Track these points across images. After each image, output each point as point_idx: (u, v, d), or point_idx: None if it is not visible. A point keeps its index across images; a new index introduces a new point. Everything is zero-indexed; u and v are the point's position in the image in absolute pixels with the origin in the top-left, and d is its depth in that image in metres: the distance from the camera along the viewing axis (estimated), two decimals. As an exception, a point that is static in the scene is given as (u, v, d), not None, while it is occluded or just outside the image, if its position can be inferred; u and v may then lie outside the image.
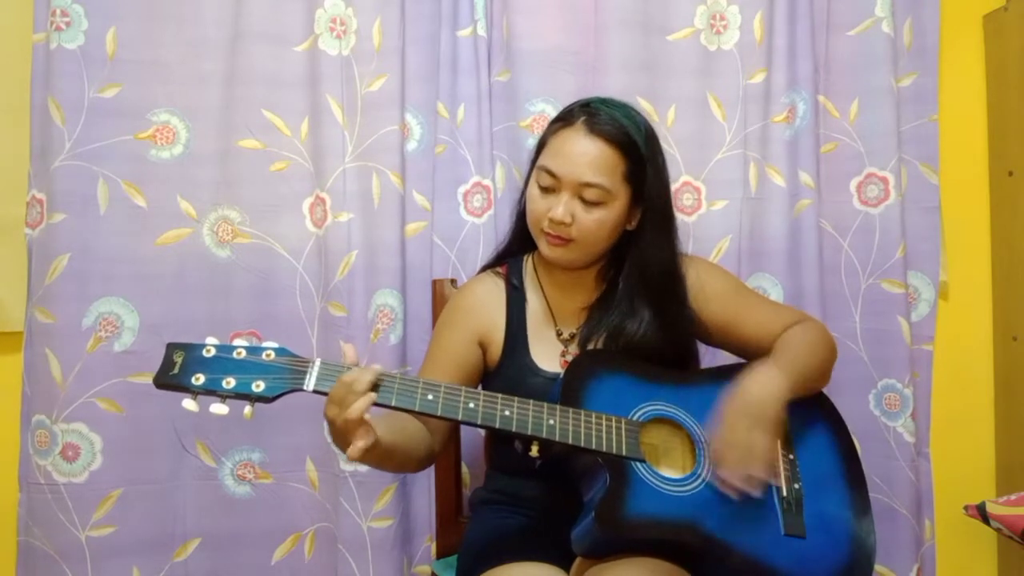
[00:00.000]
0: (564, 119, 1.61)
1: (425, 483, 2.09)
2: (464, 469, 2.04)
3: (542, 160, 1.60)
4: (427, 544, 2.13)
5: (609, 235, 1.61)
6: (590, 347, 1.63)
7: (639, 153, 1.58)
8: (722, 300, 1.69)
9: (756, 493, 1.43)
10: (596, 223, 1.58)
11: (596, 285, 1.70)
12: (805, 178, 2.21)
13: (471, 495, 1.82)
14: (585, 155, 1.55)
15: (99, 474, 1.99)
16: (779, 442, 1.50)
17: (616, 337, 1.61)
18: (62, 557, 1.96)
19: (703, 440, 1.51)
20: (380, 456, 1.42)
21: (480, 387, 1.68)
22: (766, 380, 1.49)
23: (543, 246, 1.62)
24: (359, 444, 1.31)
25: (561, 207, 1.56)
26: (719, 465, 1.44)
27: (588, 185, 1.55)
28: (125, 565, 2.01)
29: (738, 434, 1.43)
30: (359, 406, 1.30)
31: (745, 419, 1.44)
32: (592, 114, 1.58)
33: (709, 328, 1.69)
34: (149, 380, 1.37)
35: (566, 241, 1.58)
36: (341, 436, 1.34)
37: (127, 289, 2.02)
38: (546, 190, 1.59)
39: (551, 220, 1.57)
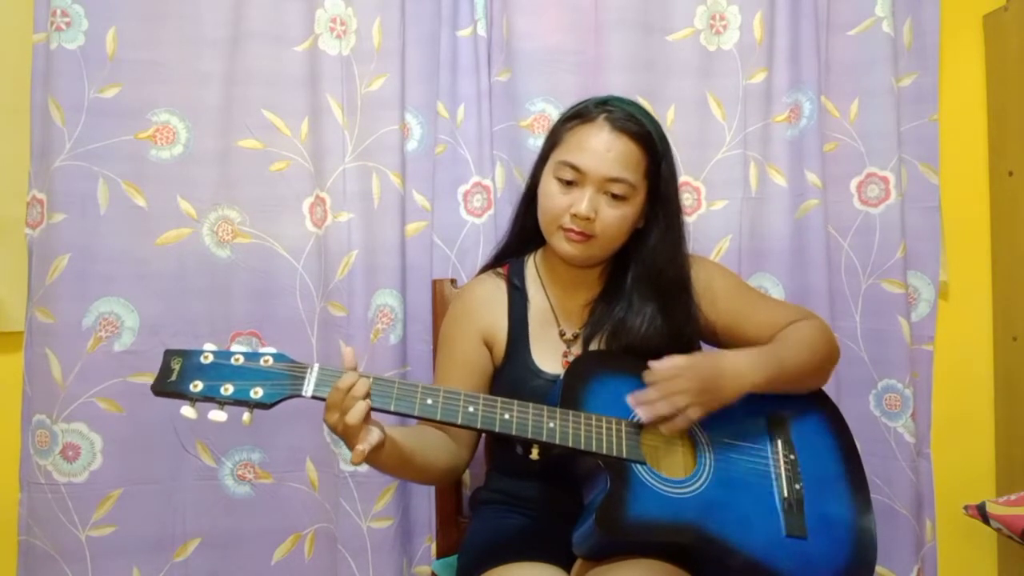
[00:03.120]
0: (581, 116, 1.61)
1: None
2: (464, 469, 2.05)
3: (561, 155, 1.59)
4: (427, 544, 2.13)
5: (627, 232, 1.62)
6: (593, 344, 1.63)
7: (657, 150, 1.60)
8: (728, 300, 1.70)
9: (642, 417, 1.44)
10: (619, 219, 1.58)
11: (598, 282, 1.70)
12: (812, 178, 2.21)
13: (471, 495, 1.82)
14: (611, 150, 1.56)
15: (99, 474, 1.99)
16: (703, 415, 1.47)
17: (619, 333, 1.61)
18: (62, 557, 1.97)
19: (703, 441, 1.51)
20: (395, 462, 1.42)
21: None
22: (740, 365, 1.51)
23: (560, 243, 1.60)
24: (359, 447, 1.31)
25: (586, 202, 1.55)
26: (645, 395, 1.43)
27: (615, 180, 1.55)
28: (125, 565, 2.01)
29: (682, 395, 1.43)
30: (357, 411, 1.30)
31: (697, 387, 1.44)
32: (612, 111, 1.59)
33: (715, 328, 1.69)
34: (149, 380, 1.36)
35: (588, 237, 1.58)
36: (344, 441, 1.34)
37: (127, 289, 2.02)
38: (567, 186, 1.58)
39: (574, 215, 1.56)
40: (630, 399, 1.45)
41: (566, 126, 1.62)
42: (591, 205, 1.55)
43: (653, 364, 1.45)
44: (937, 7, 2.29)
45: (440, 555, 1.90)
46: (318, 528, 2.11)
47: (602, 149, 1.56)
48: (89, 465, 1.98)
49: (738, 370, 1.50)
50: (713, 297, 1.69)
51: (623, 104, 1.62)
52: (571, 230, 1.58)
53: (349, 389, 1.31)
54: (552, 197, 1.59)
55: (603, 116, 1.58)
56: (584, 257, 1.61)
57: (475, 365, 1.66)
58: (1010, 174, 2.34)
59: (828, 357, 1.66)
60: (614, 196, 1.56)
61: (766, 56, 2.22)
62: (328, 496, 2.09)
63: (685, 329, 1.65)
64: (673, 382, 1.43)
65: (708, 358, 1.51)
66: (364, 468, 2.00)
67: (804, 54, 2.22)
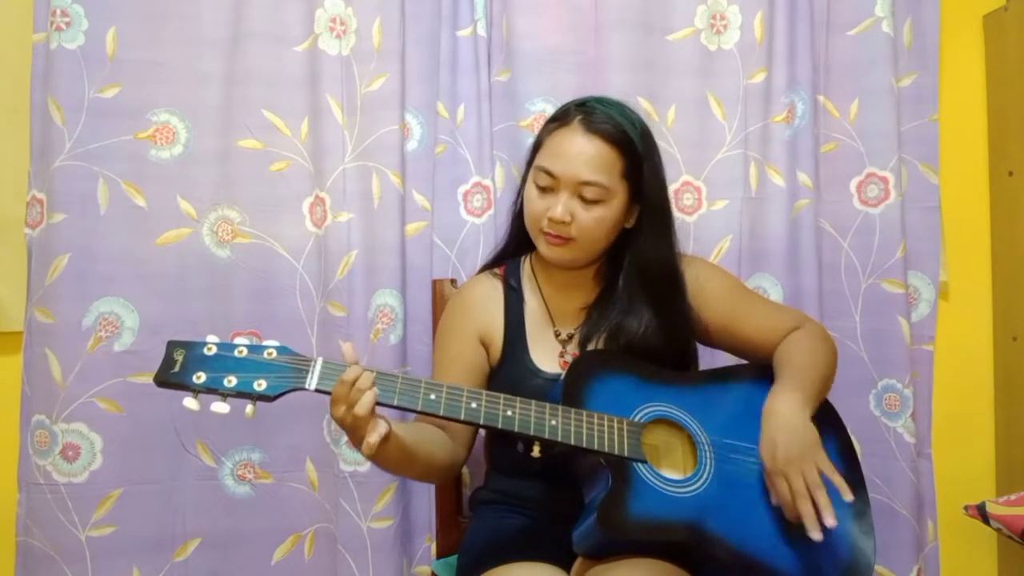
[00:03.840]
0: (560, 119, 1.62)
1: (425, 483, 2.09)
2: (464, 469, 2.04)
3: (539, 160, 1.61)
4: (427, 544, 2.13)
5: (608, 234, 1.62)
6: (590, 347, 1.63)
7: (636, 151, 1.59)
8: (722, 300, 1.70)
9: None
10: (595, 221, 1.58)
11: (594, 285, 1.70)
12: (803, 178, 2.21)
13: (471, 495, 1.82)
14: (582, 154, 1.56)
15: (99, 474, 1.99)
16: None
17: (617, 336, 1.61)
18: (62, 557, 1.96)
19: (704, 441, 1.51)
20: (400, 456, 1.42)
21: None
22: (792, 409, 1.48)
23: (542, 246, 1.62)
24: (370, 440, 1.31)
25: (560, 206, 1.56)
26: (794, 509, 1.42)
27: (586, 183, 1.55)
28: (125, 565, 2.01)
29: (796, 479, 1.42)
30: (365, 402, 1.30)
31: (794, 467, 1.42)
32: (588, 113, 1.59)
33: (709, 328, 1.69)
34: (149, 380, 1.36)
35: (566, 240, 1.59)
36: (352, 434, 1.34)
37: (127, 289, 2.01)
38: (544, 190, 1.59)
39: (550, 219, 1.57)
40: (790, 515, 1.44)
41: (547, 129, 1.64)
42: (565, 209, 1.56)
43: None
44: (937, 7, 2.30)
45: (440, 555, 1.90)
46: (318, 528, 2.10)
47: (574, 153, 1.56)
48: (89, 465, 1.98)
49: (791, 422, 1.47)
50: (707, 298, 1.69)
51: (603, 105, 1.61)
52: (549, 234, 1.59)
53: (354, 382, 1.31)
54: (532, 202, 1.61)
55: (578, 119, 1.58)
56: (566, 260, 1.63)
57: (472, 364, 1.66)
58: (1010, 174, 2.34)
59: (835, 363, 1.66)
60: (588, 199, 1.57)
61: (766, 56, 2.22)
62: (328, 496, 2.09)
63: (681, 330, 1.65)
64: (784, 484, 1.42)
65: (766, 445, 1.47)
66: (364, 468, 2.02)
67: (800, 54, 2.22)
